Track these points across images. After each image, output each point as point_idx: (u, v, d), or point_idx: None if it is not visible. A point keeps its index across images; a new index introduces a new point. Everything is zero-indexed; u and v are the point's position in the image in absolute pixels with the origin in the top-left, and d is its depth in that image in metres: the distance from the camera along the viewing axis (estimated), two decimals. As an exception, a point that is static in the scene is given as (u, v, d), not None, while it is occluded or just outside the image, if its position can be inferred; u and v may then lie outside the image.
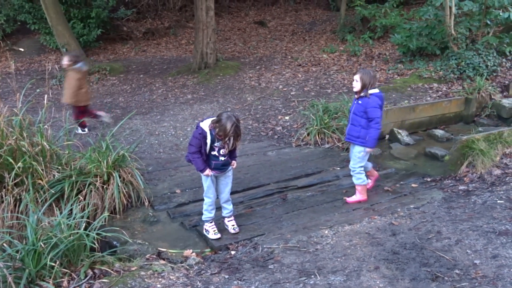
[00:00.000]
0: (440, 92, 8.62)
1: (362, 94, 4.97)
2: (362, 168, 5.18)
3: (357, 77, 4.97)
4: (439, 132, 7.37)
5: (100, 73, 12.00)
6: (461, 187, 5.26)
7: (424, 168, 6.14)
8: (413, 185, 5.59)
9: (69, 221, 3.86)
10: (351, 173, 5.24)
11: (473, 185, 5.26)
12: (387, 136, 7.28)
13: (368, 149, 5.06)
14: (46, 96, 5.78)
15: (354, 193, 5.33)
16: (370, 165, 5.41)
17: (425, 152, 6.61)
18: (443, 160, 6.14)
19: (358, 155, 5.11)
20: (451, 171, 5.74)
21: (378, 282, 3.43)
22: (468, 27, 9.72)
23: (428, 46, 10.17)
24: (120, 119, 7.98)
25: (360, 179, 5.17)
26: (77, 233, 3.71)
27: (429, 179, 5.73)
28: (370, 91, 4.92)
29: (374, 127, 4.92)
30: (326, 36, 14.39)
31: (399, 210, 4.79)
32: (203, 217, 4.68)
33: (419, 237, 4.10)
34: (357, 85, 4.97)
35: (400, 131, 7.18)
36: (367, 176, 5.34)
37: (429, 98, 8.40)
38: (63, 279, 3.55)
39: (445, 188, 5.33)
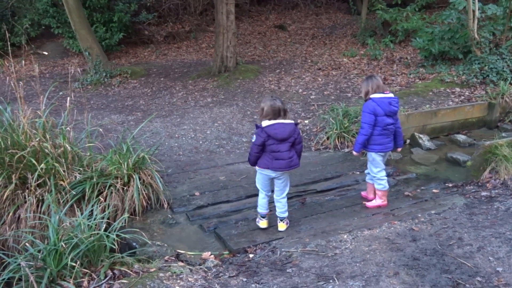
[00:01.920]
0: (463, 97, 8.49)
1: (366, 98, 5.01)
2: (383, 174, 5.13)
3: (361, 84, 5.13)
4: (461, 137, 7.27)
5: (122, 76, 12.14)
6: (484, 193, 5.17)
7: (445, 174, 6.06)
8: (434, 190, 5.51)
9: (90, 222, 3.91)
10: (373, 179, 5.22)
11: (496, 191, 5.17)
12: (408, 141, 7.21)
13: (353, 152, 5.15)
14: (68, 98, 5.88)
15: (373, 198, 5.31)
16: (388, 187, 5.23)
17: (447, 157, 6.52)
18: (465, 166, 6.05)
19: (369, 158, 5.18)
20: (473, 177, 5.65)
21: (397, 288, 3.40)
22: (492, 31, 9.56)
23: (450, 50, 10.03)
24: (140, 122, 8.08)
25: (380, 185, 5.13)
26: (98, 233, 3.76)
27: (450, 185, 5.65)
28: (372, 96, 4.91)
29: (360, 132, 5.00)
30: (347, 40, 14.32)
31: (419, 215, 4.73)
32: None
33: (440, 243, 4.05)
34: (363, 92, 5.06)
35: (421, 135, 7.10)
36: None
37: (451, 103, 8.29)
38: (83, 279, 3.59)
39: (467, 194, 5.24)
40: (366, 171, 5.37)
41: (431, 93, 8.86)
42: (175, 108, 9.40)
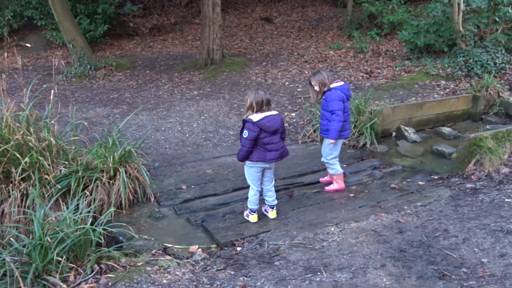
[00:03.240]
0: (448, 90, 8.56)
1: (325, 90, 5.16)
2: (336, 159, 5.39)
3: (312, 82, 5.21)
4: (446, 129, 7.33)
5: (107, 69, 12.01)
6: (469, 185, 5.23)
7: (431, 166, 6.10)
8: (420, 182, 5.55)
9: (76, 216, 3.87)
10: (326, 165, 5.48)
11: (481, 183, 5.23)
12: (394, 133, 7.25)
13: (330, 140, 5.22)
14: (52, 91, 5.79)
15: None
16: (341, 171, 5.48)
17: (432, 150, 6.57)
18: (450, 158, 6.11)
19: (328, 147, 5.31)
20: (459, 169, 5.70)
21: (384, 280, 3.42)
22: (477, 24, 9.62)
23: (435, 43, 10.10)
24: (126, 115, 8.00)
25: (334, 169, 5.39)
26: (84, 228, 3.72)
27: (436, 177, 5.70)
28: (333, 85, 5.15)
29: (334, 119, 5.10)
30: (333, 32, 14.33)
31: (405, 207, 4.77)
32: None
33: (426, 235, 4.08)
34: (317, 88, 5.20)
35: (407, 128, 7.14)
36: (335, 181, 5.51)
37: (436, 96, 8.35)
38: (69, 274, 3.56)
39: (452, 186, 5.30)
40: (322, 159, 5.54)
41: (416, 85, 8.91)
42: (161, 101, 9.33)
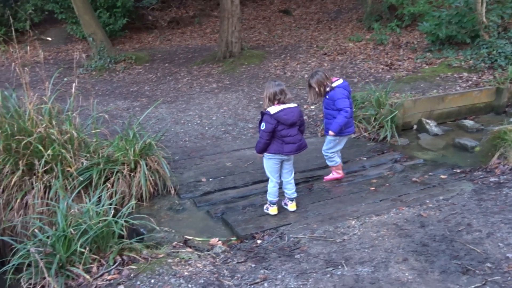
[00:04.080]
0: (470, 82, 8.41)
1: (327, 90, 5.16)
2: (335, 153, 5.45)
3: (313, 84, 5.18)
4: (468, 122, 7.21)
5: (126, 62, 12.10)
6: (492, 179, 5.14)
7: (453, 159, 6.02)
8: (442, 176, 5.48)
9: (98, 208, 3.91)
10: (325, 157, 5.54)
11: (505, 177, 5.13)
12: (415, 126, 7.16)
13: (330, 132, 5.23)
14: (74, 84, 5.85)
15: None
16: (339, 161, 5.56)
17: (454, 143, 6.47)
18: (473, 151, 6.01)
19: (332, 142, 5.37)
20: (482, 162, 5.61)
21: (407, 274, 3.38)
22: (500, 15, 9.44)
23: (458, 35, 9.92)
24: (146, 108, 8.05)
25: (333, 161, 5.49)
26: (106, 220, 3.75)
27: (458, 171, 5.61)
28: (334, 84, 5.16)
29: (342, 115, 5.11)
30: (352, 24, 14.19)
31: (427, 201, 4.71)
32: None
33: (448, 229, 4.03)
34: (317, 90, 5.18)
35: (428, 121, 7.05)
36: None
37: (458, 88, 8.22)
38: (92, 265, 3.61)
39: (475, 180, 5.21)
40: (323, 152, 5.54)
41: (438, 78, 8.78)
42: (180, 94, 9.36)
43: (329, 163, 5.57)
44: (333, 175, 5.58)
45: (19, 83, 5.83)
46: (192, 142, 7.02)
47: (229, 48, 11.25)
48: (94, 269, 3.57)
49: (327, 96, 5.23)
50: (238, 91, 9.19)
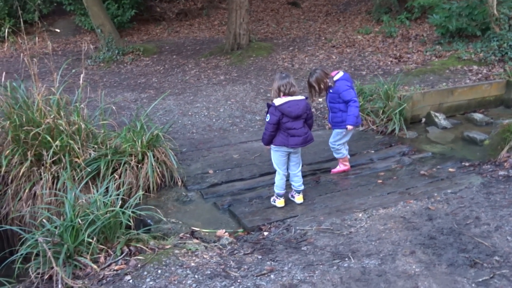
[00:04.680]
0: (480, 75, 8.34)
1: (329, 84, 5.19)
2: (342, 145, 5.48)
3: (313, 83, 5.20)
4: (478, 116, 7.15)
5: (134, 54, 12.10)
6: (501, 173, 5.09)
7: (461, 153, 5.97)
8: (450, 169, 5.44)
9: (106, 199, 3.92)
10: (332, 150, 5.56)
11: (514, 170, 5.09)
12: (423, 119, 7.11)
13: (349, 127, 5.21)
14: (81, 76, 5.87)
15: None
16: (347, 153, 5.59)
17: (463, 136, 6.43)
18: (482, 145, 5.96)
19: (340, 135, 5.39)
20: (491, 156, 5.56)
21: (414, 267, 3.37)
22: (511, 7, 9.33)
23: (468, 27, 9.81)
24: (153, 100, 8.05)
25: (340, 153, 5.51)
26: (114, 210, 3.77)
27: (467, 164, 5.57)
28: (335, 78, 5.20)
29: (353, 106, 5.15)
30: (361, 17, 14.08)
31: (435, 194, 4.68)
32: None
33: (456, 223, 4.00)
34: (317, 88, 5.21)
35: (437, 114, 7.00)
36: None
37: (468, 81, 8.15)
38: (100, 255, 3.63)
39: (484, 173, 5.17)
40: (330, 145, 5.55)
41: (447, 71, 8.71)
42: (188, 86, 9.36)
43: (336, 155, 5.56)
44: (340, 167, 5.57)
45: (28, 74, 5.86)
46: (200, 134, 7.03)
47: (237, 40, 11.22)
48: (102, 259, 3.60)
49: (330, 91, 5.24)
50: (245, 83, 9.17)
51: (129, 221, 3.94)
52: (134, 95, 8.99)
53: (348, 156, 5.62)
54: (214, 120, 7.51)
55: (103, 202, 3.86)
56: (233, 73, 9.92)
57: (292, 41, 12.22)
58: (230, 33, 11.24)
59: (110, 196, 4.02)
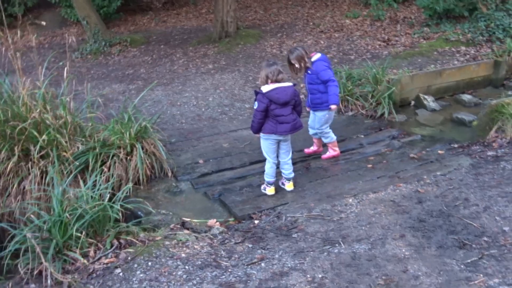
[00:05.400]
0: (468, 56, 8.34)
1: (308, 65, 5.13)
2: (328, 127, 5.42)
3: (292, 61, 5.12)
4: (466, 97, 7.16)
5: (121, 45, 11.96)
6: (490, 153, 5.12)
7: (451, 134, 5.99)
8: (439, 151, 5.46)
9: (94, 192, 3.89)
10: (319, 135, 5.49)
11: (503, 150, 5.11)
12: (412, 102, 7.11)
13: (332, 106, 5.16)
14: (66, 68, 5.78)
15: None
16: (335, 137, 5.54)
17: (452, 118, 6.44)
18: (471, 126, 5.98)
19: (323, 118, 5.31)
20: (479, 136, 5.58)
21: (403, 250, 3.39)
22: (498, -14, 9.31)
23: (455, 8, 9.78)
24: (142, 91, 7.97)
25: (329, 137, 5.45)
26: (102, 204, 3.74)
27: (456, 146, 5.59)
28: (313, 58, 5.15)
29: (332, 85, 5.09)
30: (349, 0, 13.99)
31: (425, 177, 4.70)
32: None
33: (446, 205, 4.02)
34: (297, 65, 5.13)
35: (426, 96, 7.00)
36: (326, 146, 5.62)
37: (456, 62, 8.15)
38: (89, 249, 3.62)
39: (473, 154, 5.19)
40: (311, 129, 5.53)
41: (435, 52, 8.70)
42: (176, 76, 9.29)
43: (325, 140, 5.52)
44: (330, 153, 5.55)
45: (12, 69, 5.77)
46: (189, 123, 6.99)
47: (224, 28, 11.12)
48: (92, 253, 3.58)
49: (309, 72, 5.20)
50: (234, 72, 9.12)
51: (118, 214, 3.91)
52: (122, 86, 8.92)
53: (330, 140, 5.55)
54: (203, 110, 7.47)
55: (91, 196, 3.82)
56: (221, 62, 9.86)
57: (280, 27, 12.14)
58: (218, 21, 11.14)
59: (99, 189, 3.99)
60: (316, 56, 5.19)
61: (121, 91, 8.57)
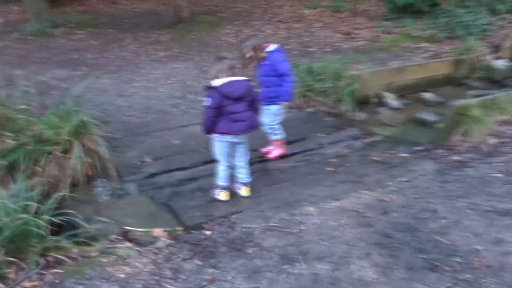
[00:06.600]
0: (429, 52, 8.17)
1: (263, 55, 4.77)
2: (278, 124, 5.11)
3: (246, 47, 4.77)
4: (428, 95, 6.97)
5: (66, 27, 11.19)
6: (455, 158, 4.90)
7: (414, 135, 5.75)
8: (403, 154, 5.19)
9: (16, 204, 3.32)
10: (268, 130, 5.12)
11: (468, 155, 4.90)
12: (374, 100, 6.84)
13: (285, 103, 4.94)
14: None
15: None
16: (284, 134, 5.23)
17: (415, 118, 6.21)
18: (433, 127, 5.77)
19: (276, 112, 4.99)
20: (443, 140, 5.36)
21: (370, 273, 3.05)
22: (459, -17, 9.20)
23: (415, 2, 9.62)
24: (87, 78, 7.35)
25: (278, 134, 5.14)
26: (23, 218, 3.19)
27: (420, 148, 5.34)
28: (269, 49, 4.80)
29: (288, 80, 4.80)
30: (309, -10, 13.68)
31: (389, 183, 4.41)
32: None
33: (413, 217, 3.73)
34: (251, 54, 4.76)
35: (388, 94, 6.75)
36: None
37: (417, 59, 7.96)
38: (9, 270, 3.08)
39: (438, 159, 4.96)
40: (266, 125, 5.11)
41: (396, 48, 8.50)
42: (125, 63, 8.67)
43: (274, 137, 5.15)
44: (278, 151, 5.24)
45: None
46: (137, 117, 6.44)
47: (178, 12, 10.56)
48: (12, 275, 3.05)
49: (264, 63, 4.81)
50: (187, 60, 8.60)
51: (41, 229, 3.33)
52: (65, 72, 8.21)
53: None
54: (153, 101, 6.92)
55: (13, 208, 3.26)
56: (174, 49, 9.30)
57: (237, 14, 11.67)
58: (171, 5, 10.54)
59: (25, 199, 3.44)
60: (272, 47, 4.82)
61: (64, 78, 7.87)
